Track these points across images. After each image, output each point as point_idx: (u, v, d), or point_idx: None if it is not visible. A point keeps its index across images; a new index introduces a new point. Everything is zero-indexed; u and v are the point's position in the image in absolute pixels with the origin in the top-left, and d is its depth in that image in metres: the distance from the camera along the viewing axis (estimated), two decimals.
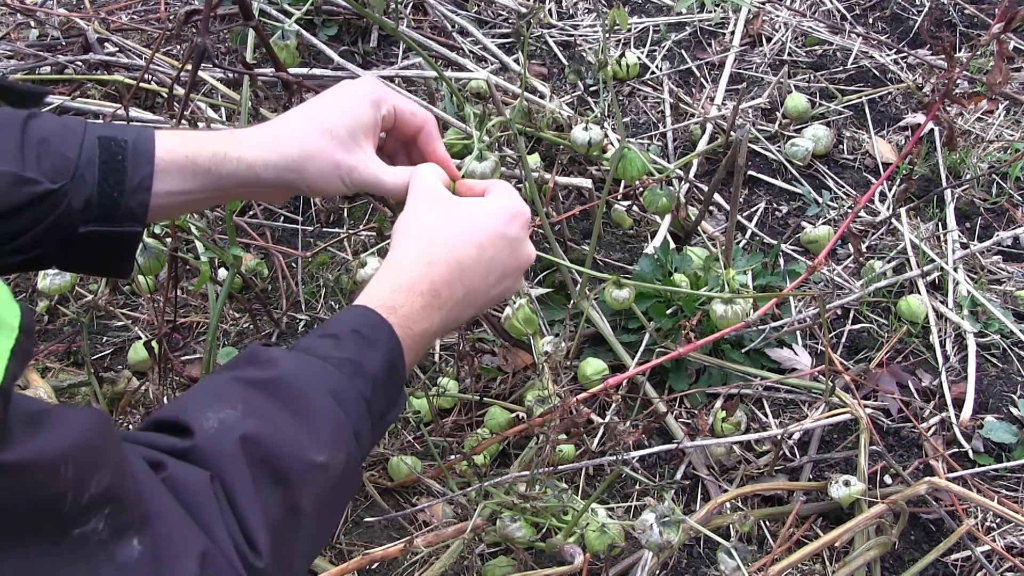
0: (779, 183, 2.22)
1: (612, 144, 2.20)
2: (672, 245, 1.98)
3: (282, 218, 2.14)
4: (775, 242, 2.06)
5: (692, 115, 2.34)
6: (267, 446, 0.67)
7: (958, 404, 1.77)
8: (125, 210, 0.81)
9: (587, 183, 2.08)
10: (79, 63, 2.32)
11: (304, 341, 0.78)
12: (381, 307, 0.79)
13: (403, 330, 0.79)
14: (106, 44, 2.39)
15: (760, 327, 1.78)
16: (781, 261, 2.04)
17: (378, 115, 0.91)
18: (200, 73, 1.97)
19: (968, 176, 2.19)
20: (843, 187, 2.20)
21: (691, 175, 2.19)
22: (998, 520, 1.62)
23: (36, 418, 0.52)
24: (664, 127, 2.32)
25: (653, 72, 2.47)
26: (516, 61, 2.41)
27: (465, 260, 0.84)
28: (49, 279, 1.51)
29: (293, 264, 2.01)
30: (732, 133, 2.14)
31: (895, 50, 2.50)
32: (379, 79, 0.96)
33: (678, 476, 1.70)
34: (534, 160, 2.08)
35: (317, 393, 0.72)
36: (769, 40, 2.54)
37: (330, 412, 0.72)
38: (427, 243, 0.84)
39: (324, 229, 2.07)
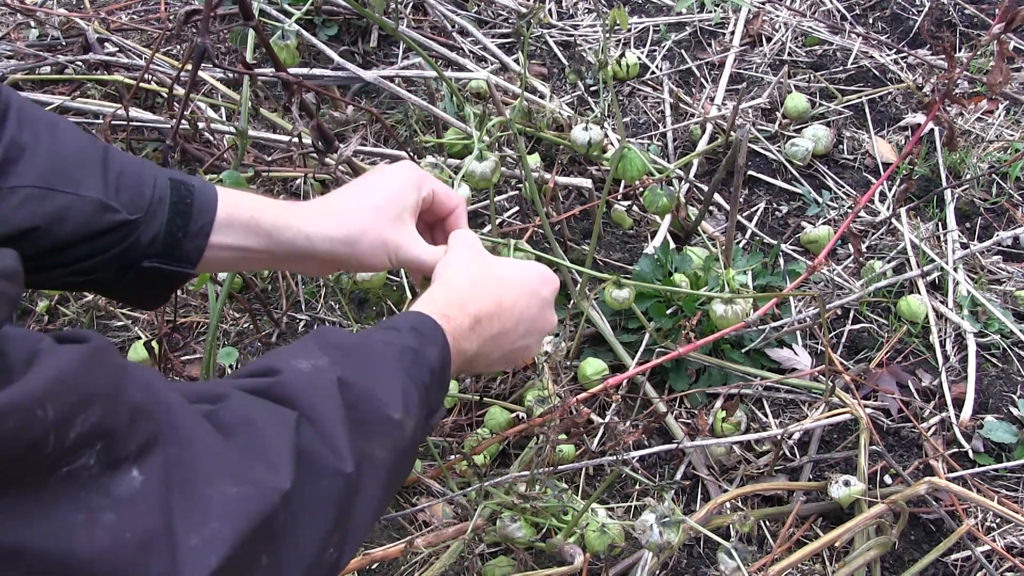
0: (779, 183, 2.22)
1: (612, 144, 2.20)
2: (672, 245, 1.98)
3: None
4: (775, 242, 2.06)
5: (692, 115, 2.34)
6: (357, 392, 0.69)
7: (958, 404, 1.77)
8: (185, 251, 0.86)
9: (587, 183, 2.08)
10: (79, 63, 2.32)
11: (362, 332, 0.81)
12: (436, 314, 0.84)
13: (452, 340, 0.84)
14: (106, 44, 2.39)
15: (760, 327, 1.78)
16: (781, 261, 2.04)
17: (419, 196, 0.98)
18: (200, 73, 1.97)
19: (968, 176, 2.19)
20: (843, 187, 2.20)
21: (691, 175, 2.19)
22: (998, 520, 1.62)
23: (31, 357, 0.51)
24: (664, 127, 2.32)
25: (653, 72, 2.47)
26: (516, 61, 2.41)
27: (504, 301, 0.91)
28: None
29: None
30: (732, 133, 2.14)
31: (895, 50, 2.50)
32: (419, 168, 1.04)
33: (678, 476, 1.70)
34: (534, 160, 2.08)
35: (390, 360, 0.75)
36: (769, 40, 2.54)
37: (401, 379, 0.74)
38: (475, 278, 0.91)
39: None
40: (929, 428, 1.74)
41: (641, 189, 1.84)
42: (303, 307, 1.98)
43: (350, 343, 0.75)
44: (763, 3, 2.61)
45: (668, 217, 2.03)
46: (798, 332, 1.88)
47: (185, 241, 0.86)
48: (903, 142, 2.29)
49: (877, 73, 2.45)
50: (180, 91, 1.75)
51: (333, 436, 0.65)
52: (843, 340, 1.90)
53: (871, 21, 2.62)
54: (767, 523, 1.64)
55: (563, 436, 1.48)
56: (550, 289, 0.96)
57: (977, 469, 1.68)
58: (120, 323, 1.97)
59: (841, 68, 2.46)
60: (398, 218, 0.95)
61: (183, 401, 0.60)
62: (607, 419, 1.71)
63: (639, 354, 1.78)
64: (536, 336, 0.97)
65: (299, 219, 0.91)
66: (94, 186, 0.82)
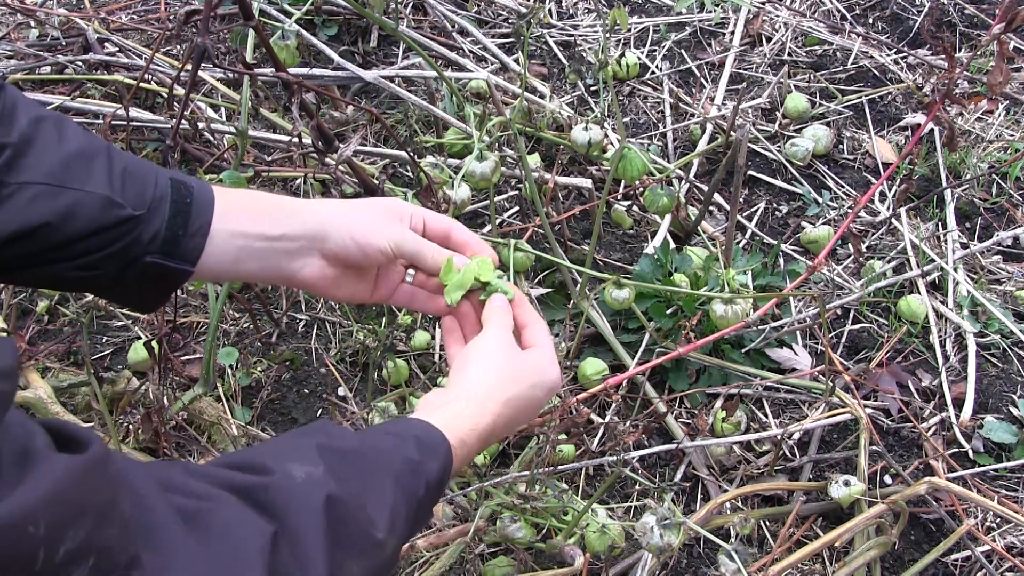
0: (779, 183, 2.22)
1: (612, 144, 2.20)
2: (672, 245, 1.98)
3: None
4: (775, 242, 2.06)
5: (692, 115, 2.34)
6: (345, 510, 0.70)
7: (958, 404, 1.77)
8: (185, 250, 0.86)
9: (587, 183, 2.08)
10: (79, 63, 2.32)
11: (368, 430, 0.82)
12: (454, 437, 0.84)
13: (458, 460, 0.84)
14: (106, 44, 2.39)
15: (760, 327, 1.78)
16: (781, 261, 2.04)
17: (410, 213, 0.98)
18: (200, 73, 1.97)
19: (968, 176, 2.19)
20: (843, 187, 2.20)
21: (691, 175, 2.19)
22: (998, 520, 1.62)
23: (24, 460, 0.51)
24: (664, 127, 2.32)
25: (653, 72, 2.47)
26: (516, 61, 2.41)
27: (514, 420, 0.93)
28: None
29: None
30: (732, 133, 2.14)
31: (895, 50, 2.50)
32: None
33: (678, 476, 1.70)
34: (534, 160, 2.08)
35: (385, 471, 0.75)
36: (769, 40, 2.54)
37: (392, 494, 0.75)
38: (507, 395, 0.91)
39: None
40: (929, 428, 1.74)
41: (641, 189, 1.84)
42: (303, 307, 1.98)
43: (349, 449, 0.75)
44: (763, 3, 2.61)
45: (668, 217, 2.03)
46: (798, 332, 1.88)
47: (185, 239, 0.86)
48: (903, 142, 2.29)
49: (877, 73, 2.45)
50: (180, 91, 1.75)
51: (310, 560, 0.65)
52: (843, 340, 1.90)
53: (871, 21, 2.62)
54: (767, 523, 1.64)
55: (563, 436, 1.48)
56: (552, 393, 0.97)
57: (977, 469, 1.68)
58: (120, 323, 1.97)
59: (841, 68, 2.46)
60: (395, 218, 0.96)
61: (167, 507, 0.61)
62: (607, 419, 1.71)
63: (639, 354, 1.78)
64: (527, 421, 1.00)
65: (295, 203, 0.93)
66: (101, 182, 0.83)
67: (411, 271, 1.01)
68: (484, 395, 0.90)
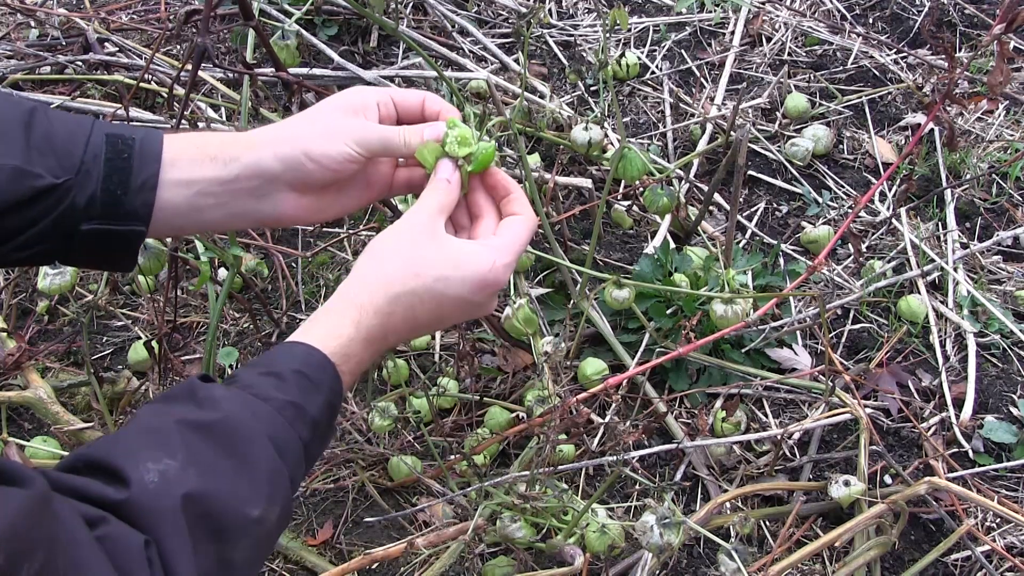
0: (779, 183, 2.22)
1: (612, 144, 2.20)
2: (672, 245, 1.98)
3: None
4: (775, 242, 2.06)
5: (692, 115, 2.34)
6: (207, 503, 0.66)
7: (958, 404, 1.77)
8: (129, 209, 0.80)
9: (587, 183, 2.08)
10: (79, 63, 2.32)
11: (244, 375, 0.76)
12: (335, 353, 0.78)
13: (348, 376, 0.79)
14: (106, 44, 2.39)
15: (760, 327, 1.78)
16: (781, 261, 2.04)
17: (374, 100, 0.90)
18: (200, 73, 1.97)
19: (968, 176, 2.19)
20: (843, 187, 2.20)
21: (691, 175, 2.19)
22: (998, 520, 1.62)
23: None
24: (664, 127, 2.32)
25: (653, 72, 2.47)
26: (516, 61, 2.41)
27: (422, 318, 0.84)
28: (49, 279, 1.50)
29: (293, 264, 2.01)
30: (732, 133, 2.14)
31: (895, 50, 2.50)
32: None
33: (678, 476, 1.70)
34: (534, 160, 2.08)
35: (258, 440, 0.71)
36: (769, 40, 2.54)
37: (270, 461, 0.71)
38: (395, 291, 0.82)
39: (324, 229, 2.08)
40: (929, 428, 1.74)
41: (641, 189, 1.84)
42: (303, 307, 1.98)
43: (215, 422, 0.70)
44: (763, 3, 2.61)
45: (668, 217, 2.03)
46: (798, 332, 1.88)
47: (127, 198, 0.80)
48: (903, 142, 2.29)
49: (877, 73, 2.45)
50: (180, 91, 1.75)
51: (172, 566, 0.63)
52: (843, 340, 1.90)
53: (871, 21, 2.62)
54: (767, 523, 1.64)
55: (563, 436, 1.48)
56: (488, 292, 0.85)
57: (977, 469, 1.68)
58: (120, 323, 1.97)
59: (841, 68, 2.46)
60: (353, 113, 0.87)
61: (89, 538, 0.60)
62: (607, 419, 1.71)
63: (639, 354, 1.78)
64: (459, 322, 0.90)
65: (245, 136, 0.86)
66: (11, 153, 0.76)
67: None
68: (369, 292, 0.81)
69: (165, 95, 2.08)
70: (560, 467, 1.53)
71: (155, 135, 0.82)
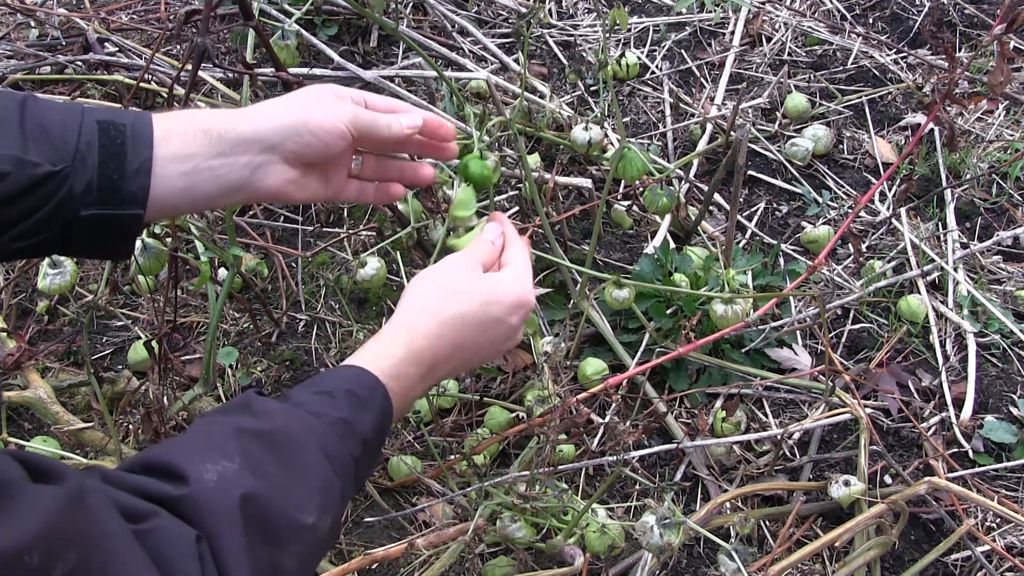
0: (779, 183, 2.22)
1: (612, 144, 2.20)
2: (672, 245, 1.98)
3: (282, 218, 2.14)
4: (775, 242, 2.06)
5: (692, 115, 2.34)
6: (263, 504, 0.68)
7: (958, 404, 1.77)
8: (126, 193, 0.81)
9: (587, 183, 2.07)
10: (79, 63, 2.32)
11: (296, 394, 0.78)
12: (385, 374, 0.81)
13: (398, 397, 0.82)
14: (106, 44, 2.39)
15: (760, 327, 1.78)
16: (781, 261, 2.04)
17: (348, 93, 0.93)
18: (200, 73, 1.97)
19: (968, 176, 2.19)
20: (843, 187, 2.20)
21: (691, 175, 2.19)
22: (998, 520, 1.62)
23: (3, 491, 0.52)
24: (664, 127, 2.32)
25: (653, 72, 2.47)
26: (516, 61, 2.41)
27: (468, 343, 0.89)
28: (49, 279, 1.50)
29: (293, 264, 2.01)
30: (732, 133, 2.14)
31: (895, 50, 2.50)
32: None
33: (678, 476, 1.70)
34: (534, 160, 2.08)
35: (312, 450, 0.73)
36: (769, 40, 2.54)
37: (322, 472, 0.73)
38: (445, 315, 0.88)
39: (324, 229, 2.07)
40: (929, 428, 1.74)
41: (641, 189, 1.84)
42: (303, 307, 1.98)
43: (271, 430, 0.72)
44: (763, 3, 2.61)
45: (668, 217, 2.03)
46: (798, 332, 1.88)
47: (124, 183, 0.80)
48: (903, 142, 2.29)
49: (877, 73, 2.45)
50: (180, 91, 1.75)
51: (229, 564, 0.64)
52: (843, 340, 1.90)
53: (871, 21, 2.62)
54: (767, 523, 1.64)
55: (563, 436, 1.48)
56: (521, 315, 0.92)
57: (977, 469, 1.68)
58: (120, 323, 1.97)
59: (841, 68, 2.46)
60: (340, 98, 0.91)
61: (125, 531, 0.60)
62: (607, 419, 1.71)
63: (639, 354, 1.78)
64: (495, 355, 0.95)
65: (240, 111, 0.88)
66: (9, 143, 0.77)
67: (356, 159, 0.96)
68: (417, 318, 0.85)
69: (165, 95, 2.08)
70: (560, 467, 1.53)
71: (144, 118, 0.83)
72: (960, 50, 2.49)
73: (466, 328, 0.88)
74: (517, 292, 0.90)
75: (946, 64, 1.52)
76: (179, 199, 0.84)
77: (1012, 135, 2.29)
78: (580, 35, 2.58)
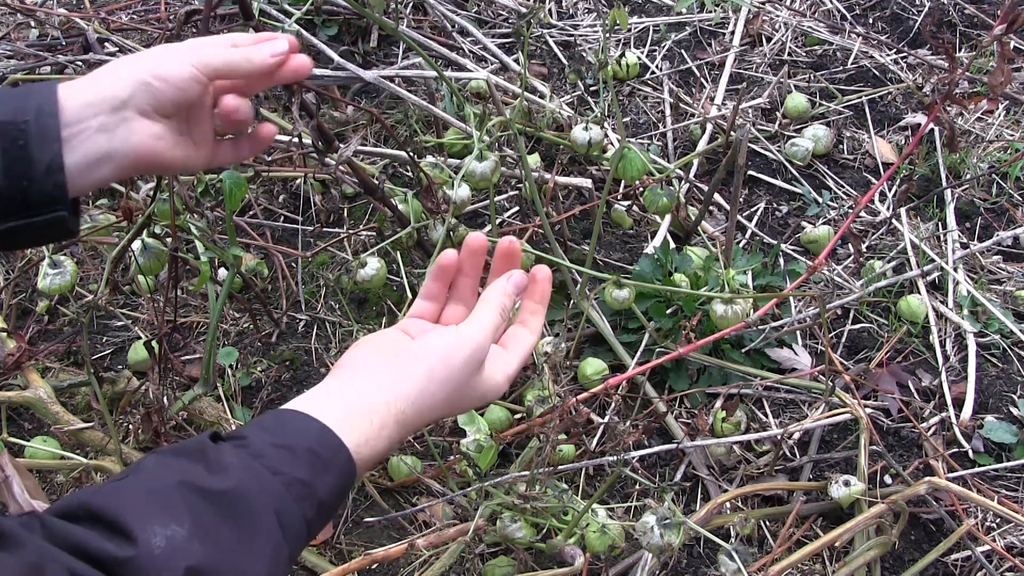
0: (779, 183, 2.22)
1: (612, 144, 2.20)
2: (672, 245, 1.98)
3: (282, 218, 2.14)
4: (775, 242, 2.06)
5: (692, 115, 2.34)
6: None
7: (958, 404, 1.77)
8: (40, 197, 0.76)
9: (587, 183, 2.08)
10: (79, 63, 2.32)
11: (255, 440, 0.74)
12: (352, 440, 0.76)
13: (362, 460, 0.77)
14: (106, 44, 2.39)
15: (760, 327, 1.78)
16: (781, 261, 2.04)
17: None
18: None
19: (968, 176, 2.19)
20: (843, 187, 2.20)
21: (691, 175, 2.19)
22: (998, 520, 1.62)
23: None
24: (664, 127, 2.32)
25: (653, 72, 2.47)
26: (516, 61, 2.41)
27: (439, 403, 0.82)
28: (49, 279, 1.50)
29: (293, 264, 2.01)
30: (732, 133, 2.14)
31: (895, 50, 2.50)
32: None
33: (678, 476, 1.70)
34: (534, 160, 2.08)
35: (265, 515, 0.69)
36: (769, 40, 2.54)
37: (273, 539, 0.70)
38: (418, 386, 0.81)
39: (324, 229, 2.08)
40: (929, 428, 1.74)
41: (641, 189, 1.84)
42: (303, 307, 1.98)
43: (223, 491, 0.68)
44: (763, 3, 2.61)
45: (668, 217, 2.03)
46: (798, 332, 1.88)
47: (35, 186, 0.75)
48: (903, 142, 2.29)
49: (877, 73, 2.45)
50: None
51: None
52: (843, 340, 1.90)
53: (871, 21, 2.62)
54: (767, 523, 1.64)
55: (563, 436, 1.48)
56: (475, 366, 0.84)
57: (977, 469, 1.68)
58: (120, 323, 1.97)
59: (841, 68, 2.46)
60: (192, 47, 0.85)
61: None
62: (607, 419, 1.71)
63: (639, 354, 1.78)
64: (469, 407, 0.88)
65: (85, 78, 0.82)
66: None
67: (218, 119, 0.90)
68: (391, 393, 0.79)
69: None
70: (560, 467, 1.53)
71: (47, 108, 0.77)
72: (960, 50, 2.49)
73: (435, 386, 0.81)
74: (477, 341, 0.83)
75: (946, 64, 1.52)
76: (90, 181, 0.79)
77: (1012, 135, 2.29)
78: (580, 35, 2.58)
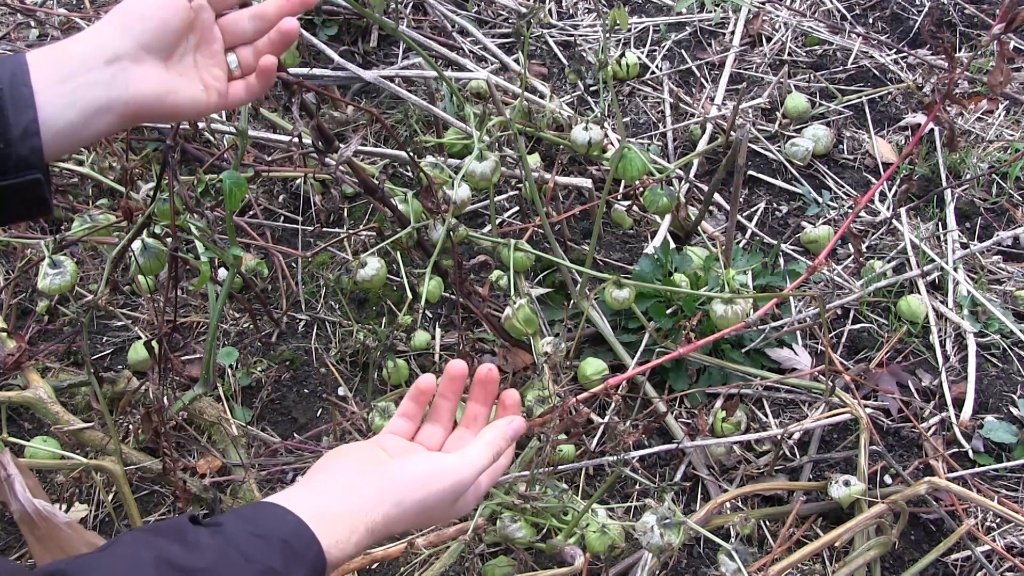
0: (779, 183, 2.22)
1: (612, 144, 2.20)
2: (672, 245, 1.98)
3: (282, 218, 2.14)
4: (775, 242, 2.06)
5: (692, 115, 2.34)
6: None
7: (958, 404, 1.77)
8: (17, 160, 0.77)
9: (587, 183, 2.08)
10: None
11: (232, 528, 0.75)
12: (325, 539, 0.78)
13: (332, 560, 0.79)
14: None
15: (760, 327, 1.78)
16: (781, 261, 2.04)
17: None
18: None
19: (968, 176, 2.19)
20: (843, 187, 2.20)
21: (691, 175, 2.19)
22: (998, 520, 1.62)
23: None
24: (664, 127, 2.32)
25: (653, 72, 2.47)
26: (516, 61, 2.41)
27: (409, 518, 0.86)
28: (49, 279, 1.50)
29: (293, 264, 2.01)
30: (732, 133, 2.14)
31: (895, 50, 2.50)
32: None
33: (678, 476, 1.70)
34: (534, 160, 2.08)
35: None
36: (769, 40, 2.54)
37: None
38: (392, 502, 0.84)
39: (324, 229, 2.08)
40: (929, 428, 1.74)
41: (641, 189, 1.84)
42: (303, 307, 1.98)
43: (198, 570, 0.70)
44: (763, 3, 2.61)
45: (668, 217, 2.03)
46: (798, 332, 1.88)
47: (12, 150, 0.76)
48: (903, 142, 2.29)
49: (877, 73, 2.45)
50: None
51: None
52: (843, 340, 1.90)
53: (871, 21, 2.62)
54: (767, 523, 1.64)
55: (563, 436, 1.48)
56: (452, 499, 0.88)
57: (977, 469, 1.68)
58: (120, 323, 1.97)
59: (841, 68, 2.46)
60: None
61: None
62: (607, 419, 1.71)
63: (639, 354, 1.78)
64: (441, 520, 0.92)
65: (72, 38, 0.82)
66: None
67: (232, 57, 0.91)
68: (382, 524, 0.82)
69: None
70: (560, 467, 1.53)
71: (20, 77, 0.78)
72: (960, 50, 2.49)
73: (409, 505, 0.85)
74: (461, 476, 0.87)
75: (946, 64, 1.52)
76: (73, 139, 0.80)
77: (1012, 135, 2.29)
78: (580, 35, 2.58)
